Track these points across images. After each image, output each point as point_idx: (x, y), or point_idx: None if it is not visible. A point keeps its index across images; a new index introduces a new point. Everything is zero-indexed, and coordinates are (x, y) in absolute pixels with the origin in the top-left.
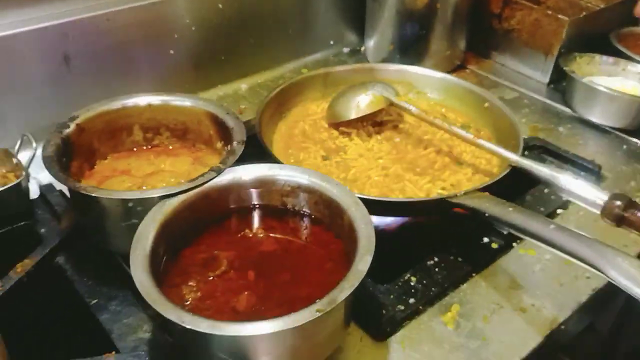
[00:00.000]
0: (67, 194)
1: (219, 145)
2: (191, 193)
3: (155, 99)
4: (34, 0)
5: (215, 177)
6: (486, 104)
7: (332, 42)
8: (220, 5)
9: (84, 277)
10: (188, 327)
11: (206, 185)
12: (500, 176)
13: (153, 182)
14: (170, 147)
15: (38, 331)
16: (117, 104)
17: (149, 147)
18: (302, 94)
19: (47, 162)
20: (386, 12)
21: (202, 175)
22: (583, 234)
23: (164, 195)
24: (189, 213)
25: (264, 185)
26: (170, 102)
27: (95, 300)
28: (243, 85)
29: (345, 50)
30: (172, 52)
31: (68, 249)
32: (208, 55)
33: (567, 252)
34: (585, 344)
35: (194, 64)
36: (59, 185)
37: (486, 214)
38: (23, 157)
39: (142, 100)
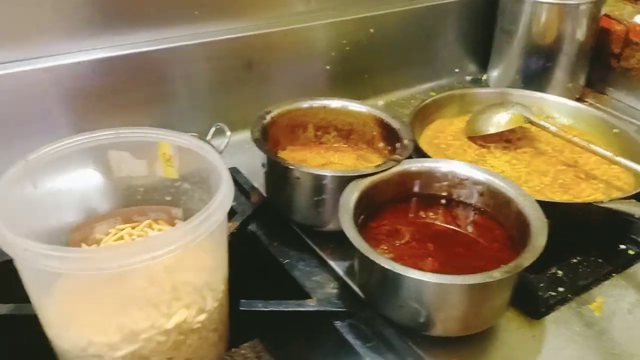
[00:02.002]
0: (247, 176)
1: (381, 145)
2: (378, 176)
3: (330, 103)
4: (230, 15)
5: (394, 166)
6: (615, 130)
7: (457, 70)
8: (371, 30)
9: (274, 242)
10: (400, 272)
11: (389, 172)
12: None
13: None
14: (335, 145)
15: (246, 282)
16: (299, 104)
17: (318, 143)
18: (441, 111)
19: (258, 143)
20: (515, 44)
21: (385, 162)
22: None
23: (357, 175)
24: (374, 192)
25: (435, 176)
26: (344, 106)
27: (287, 261)
28: (380, 101)
29: (468, 78)
30: (328, 67)
31: (258, 219)
32: (356, 72)
33: None
34: None
35: (343, 79)
36: (243, 169)
37: (636, 216)
38: (215, 143)
39: (320, 103)
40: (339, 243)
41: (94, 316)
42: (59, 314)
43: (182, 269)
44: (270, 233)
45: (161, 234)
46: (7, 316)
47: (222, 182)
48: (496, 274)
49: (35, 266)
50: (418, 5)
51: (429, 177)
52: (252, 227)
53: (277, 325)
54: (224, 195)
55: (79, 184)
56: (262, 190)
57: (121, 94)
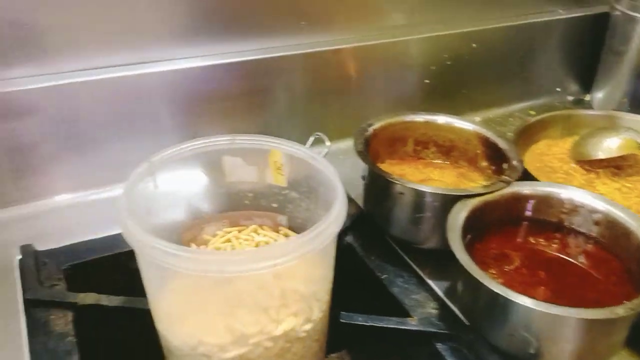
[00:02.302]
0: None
1: (484, 164)
2: (486, 197)
3: (433, 118)
4: (335, 27)
5: (504, 187)
6: None
7: (558, 90)
8: (474, 45)
9: (371, 256)
10: (513, 300)
11: (497, 193)
12: None
13: None
14: (434, 161)
15: (342, 293)
16: (402, 118)
17: (416, 158)
18: (546, 131)
19: (362, 155)
20: (624, 65)
21: (495, 183)
22: None
23: (466, 195)
24: (482, 213)
25: (548, 201)
26: (448, 122)
27: (386, 276)
28: (476, 117)
29: (570, 98)
30: (427, 81)
31: (355, 231)
32: (454, 87)
33: None
34: None
35: (441, 93)
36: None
37: None
38: None
39: (422, 117)
40: (436, 262)
41: (205, 316)
42: (173, 311)
43: (291, 277)
44: (366, 246)
45: (282, 243)
46: (119, 308)
47: (337, 195)
48: (620, 311)
49: (160, 264)
50: (524, 21)
51: (540, 201)
52: (348, 238)
53: (373, 340)
54: (339, 209)
55: (193, 185)
56: (359, 202)
57: (226, 100)
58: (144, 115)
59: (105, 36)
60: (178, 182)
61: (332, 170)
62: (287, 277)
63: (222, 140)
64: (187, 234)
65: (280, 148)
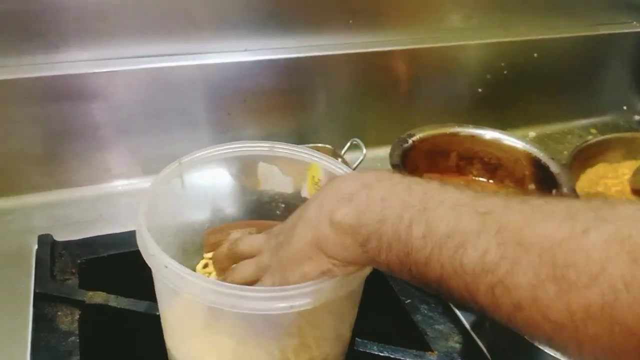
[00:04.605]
0: None
1: (532, 187)
2: None
3: (481, 132)
4: (384, 26)
5: None
6: None
7: (624, 108)
8: (535, 55)
9: (397, 278)
10: None
11: None
12: None
13: None
14: (477, 179)
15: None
16: (445, 130)
17: (458, 174)
18: (605, 154)
19: (397, 170)
20: None
21: None
22: None
23: None
24: None
25: None
26: (496, 138)
27: (409, 301)
28: (531, 132)
29: (636, 117)
30: (480, 90)
31: None
32: (509, 99)
33: None
34: None
35: (494, 104)
36: None
37: None
38: (348, 158)
39: (468, 131)
40: None
41: (213, 338)
42: (181, 327)
43: (313, 315)
44: None
45: (307, 285)
46: (127, 311)
47: None
48: None
49: (170, 285)
50: (592, 33)
51: None
52: None
53: None
54: None
55: (223, 189)
56: None
57: (264, 98)
58: (176, 108)
59: (141, 26)
60: (208, 184)
61: None
62: (309, 314)
63: (260, 146)
64: (212, 237)
65: (321, 163)
